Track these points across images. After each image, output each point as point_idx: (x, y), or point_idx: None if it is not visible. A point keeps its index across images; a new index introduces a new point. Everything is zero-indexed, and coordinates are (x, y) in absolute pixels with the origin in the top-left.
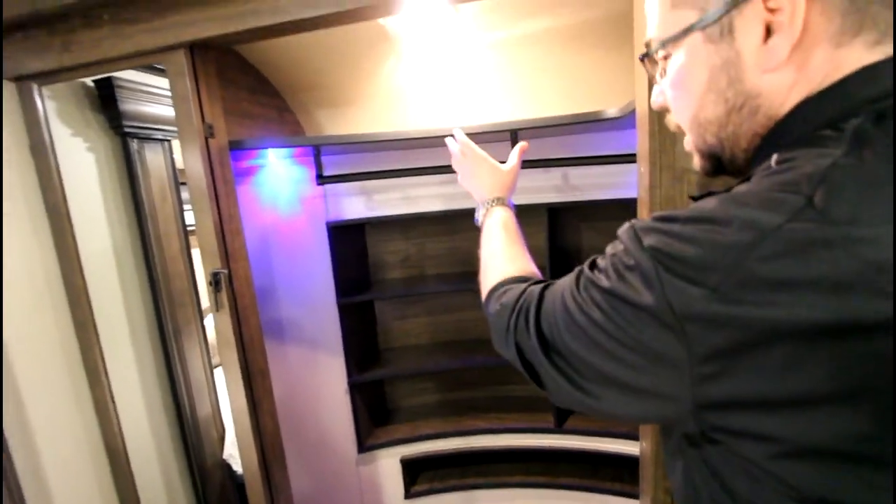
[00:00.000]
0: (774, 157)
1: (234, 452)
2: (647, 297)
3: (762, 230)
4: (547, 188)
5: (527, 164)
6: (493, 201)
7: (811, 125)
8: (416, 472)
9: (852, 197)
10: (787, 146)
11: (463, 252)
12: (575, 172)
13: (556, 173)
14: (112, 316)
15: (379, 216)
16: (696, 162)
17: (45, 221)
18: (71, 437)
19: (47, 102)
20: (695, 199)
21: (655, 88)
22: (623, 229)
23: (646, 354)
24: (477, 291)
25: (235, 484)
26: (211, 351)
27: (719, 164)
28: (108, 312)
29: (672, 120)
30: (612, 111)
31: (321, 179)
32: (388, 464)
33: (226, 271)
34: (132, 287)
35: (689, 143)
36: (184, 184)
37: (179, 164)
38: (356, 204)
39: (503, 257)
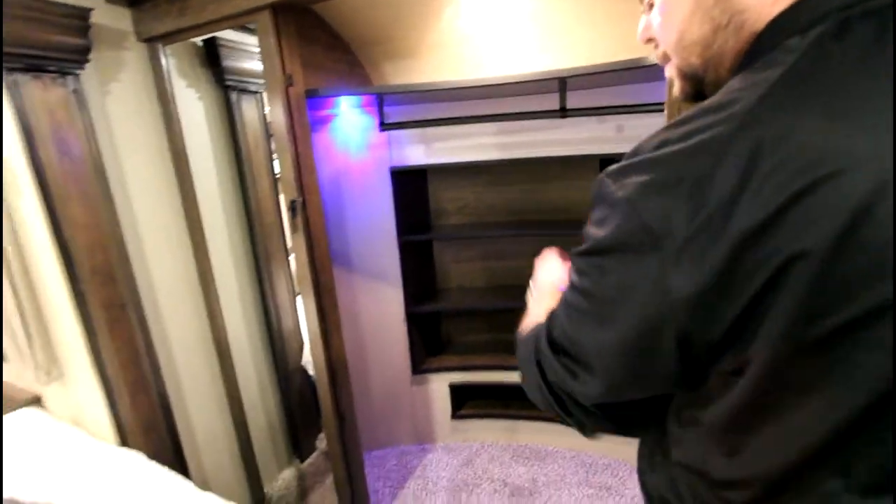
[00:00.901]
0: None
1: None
2: (622, 233)
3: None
4: (600, 139)
5: (577, 112)
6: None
7: (784, 35)
8: (463, 399)
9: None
10: (761, 59)
11: (518, 201)
12: (630, 123)
13: (610, 124)
14: (219, 241)
15: (439, 163)
16: (678, 87)
17: (168, 160)
18: (192, 334)
19: (169, 59)
20: None
21: (641, 21)
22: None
23: (627, 293)
24: (530, 237)
25: (311, 387)
26: (294, 280)
27: (701, 88)
28: (216, 238)
29: (657, 53)
30: (652, 57)
31: (384, 126)
32: (438, 387)
33: (301, 199)
34: (233, 219)
35: (670, 69)
36: (272, 136)
37: (269, 115)
38: (417, 151)
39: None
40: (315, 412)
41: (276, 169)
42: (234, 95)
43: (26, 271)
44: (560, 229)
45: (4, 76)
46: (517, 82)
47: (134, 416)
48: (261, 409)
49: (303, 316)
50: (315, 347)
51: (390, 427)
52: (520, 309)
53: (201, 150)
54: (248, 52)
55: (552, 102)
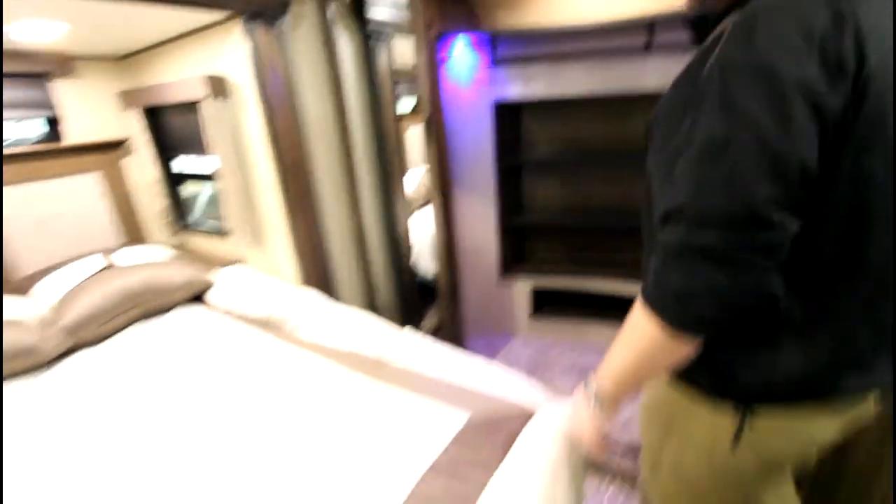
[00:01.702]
0: None
1: (417, 261)
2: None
3: None
4: None
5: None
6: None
7: None
8: (542, 302)
9: None
10: None
11: (601, 135)
12: None
13: None
14: (359, 156)
15: (535, 97)
16: None
17: (329, 90)
18: (340, 224)
19: (331, 13)
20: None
21: None
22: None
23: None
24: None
25: (416, 282)
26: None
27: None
28: (357, 153)
29: None
30: None
31: (496, 62)
32: (521, 289)
33: (434, 116)
34: (368, 140)
35: None
36: (396, 82)
37: (401, 56)
38: (517, 87)
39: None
40: (419, 304)
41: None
42: (371, 42)
43: (245, 166)
44: (638, 162)
45: (244, 25)
46: (608, 27)
47: (309, 272)
48: (382, 291)
49: (413, 226)
50: (440, 233)
51: (479, 319)
52: (593, 229)
53: (350, 83)
54: (382, 4)
55: (636, 40)
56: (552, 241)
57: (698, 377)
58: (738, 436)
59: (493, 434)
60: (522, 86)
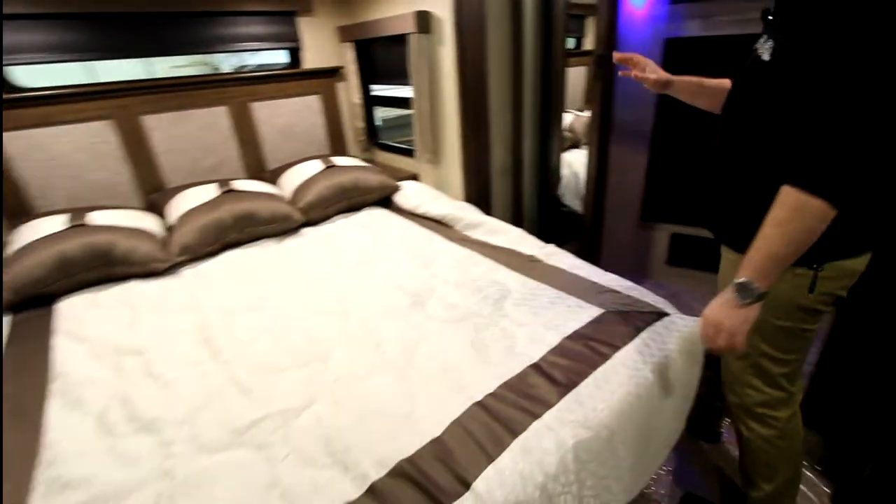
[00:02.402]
0: None
1: (563, 192)
2: None
3: None
4: None
5: None
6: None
7: None
8: (680, 250)
9: None
10: None
11: None
12: None
13: None
14: (528, 89)
15: (711, 34)
16: None
17: (510, 24)
18: (502, 154)
19: None
20: None
21: None
22: None
23: None
24: None
25: (560, 212)
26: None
27: None
28: (526, 87)
29: None
30: None
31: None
32: (660, 234)
33: (606, 55)
34: (536, 75)
35: None
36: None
37: None
38: (690, 24)
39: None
40: (560, 234)
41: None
42: None
43: (435, 94)
44: None
45: None
46: None
47: (472, 190)
48: (528, 216)
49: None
50: (592, 170)
51: (615, 257)
52: None
53: (528, 16)
54: None
55: None
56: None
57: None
58: (812, 287)
59: (625, 323)
60: (699, 24)
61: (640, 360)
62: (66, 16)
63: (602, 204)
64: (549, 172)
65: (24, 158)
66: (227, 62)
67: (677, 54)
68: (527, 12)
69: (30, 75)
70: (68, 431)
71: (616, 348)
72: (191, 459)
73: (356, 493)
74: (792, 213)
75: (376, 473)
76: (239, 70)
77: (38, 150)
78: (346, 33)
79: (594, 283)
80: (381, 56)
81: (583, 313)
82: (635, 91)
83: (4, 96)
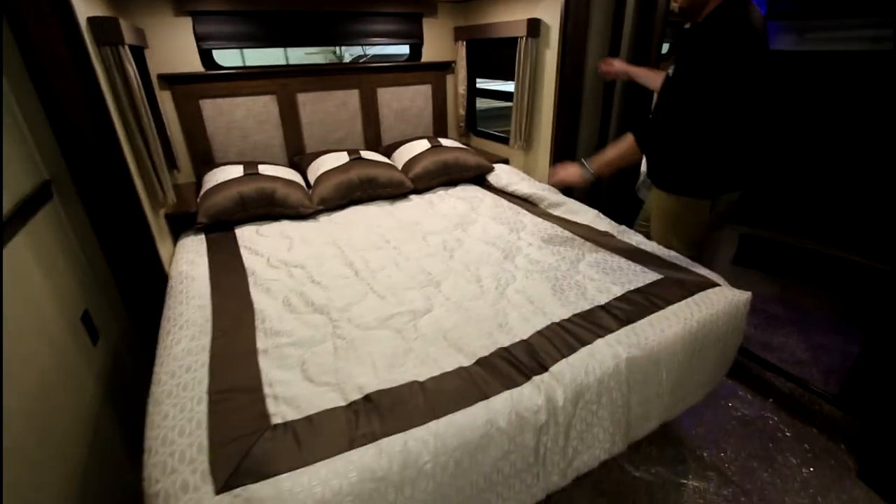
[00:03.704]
0: None
1: (639, 187)
2: None
3: None
4: None
5: None
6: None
7: None
8: (748, 250)
9: None
10: None
11: None
12: None
13: None
14: (616, 93)
15: (805, 49)
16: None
17: (608, 33)
18: (587, 144)
19: None
20: None
21: None
22: None
23: None
24: None
25: (635, 206)
26: None
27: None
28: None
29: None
30: None
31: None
32: (730, 232)
33: None
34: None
35: None
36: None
37: None
38: (789, 38)
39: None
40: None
41: None
42: None
43: (534, 90)
44: None
45: None
46: None
47: None
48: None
49: None
50: None
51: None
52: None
53: (627, 25)
54: None
55: None
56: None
57: (690, 191)
58: (711, 209)
59: (680, 287)
60: (795, 39)
61: (689, 313)
62: (248, 13)
63: None
64: (628, 168)
65: (213, 120)
66: (347, 51)
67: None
68: (627, 19)
69: (220, 56)
70: (267, 306)
71: (670, 303)
72: (352, 331)
73: (468, 362)
74: (624, 144)
75: (481, 353)
76: (358, 58)
77: (223, 114)
78: (461, 33)
79: (658, 255)
80: (490, 54)
81: (645, 276)
82: None
83: (210, 72)
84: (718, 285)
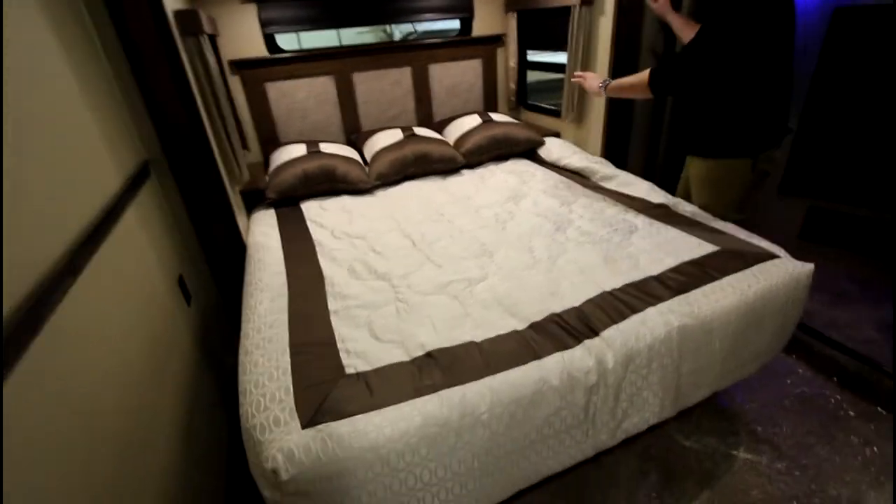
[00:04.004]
0: None
1: None
2: None
3: None
4: None
5: None
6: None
7: None
8: (816, 224)
9: None
10: None
11: None
12: None
13: None
14: None
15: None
16: None
17: None
18: (642, 117)
19: None
20: None
21: None
22: None
23: None
24: None
25: None
26: None
27: None
28: None
29: None
30: None
31: None
32: (797, 205)
33: None
34: None
35: None
36: None
37: None
38: None
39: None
40: None
41: None
42: None
43: (587, 62)
44: None
45: None
46: None
47: (609, 149)
48: (659, 174)
49: None
50: None
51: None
52: None
53: None
54: None
55: None
56: (852, 164)
57: (732, 152)
58: (753, 168)
59: (739, 258)
60: None
61: (746, 284)
62: None
63: None
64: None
65: (276, 102)
66: (397, 28)
67: (846, 25)
68: None
69: (280, 40)
70: (335, 272)
71: (727, 273)
72: (412, 296)
73: (521, 326)
74: (640, 78)
75: (534, 318)
76: (408, 35)
77: (285, 96)
78: (512, 4)
79: (715, 227)
80: (541, 25)
81: (701, 248)
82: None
83: (273, 56)
84: (778, 257)
